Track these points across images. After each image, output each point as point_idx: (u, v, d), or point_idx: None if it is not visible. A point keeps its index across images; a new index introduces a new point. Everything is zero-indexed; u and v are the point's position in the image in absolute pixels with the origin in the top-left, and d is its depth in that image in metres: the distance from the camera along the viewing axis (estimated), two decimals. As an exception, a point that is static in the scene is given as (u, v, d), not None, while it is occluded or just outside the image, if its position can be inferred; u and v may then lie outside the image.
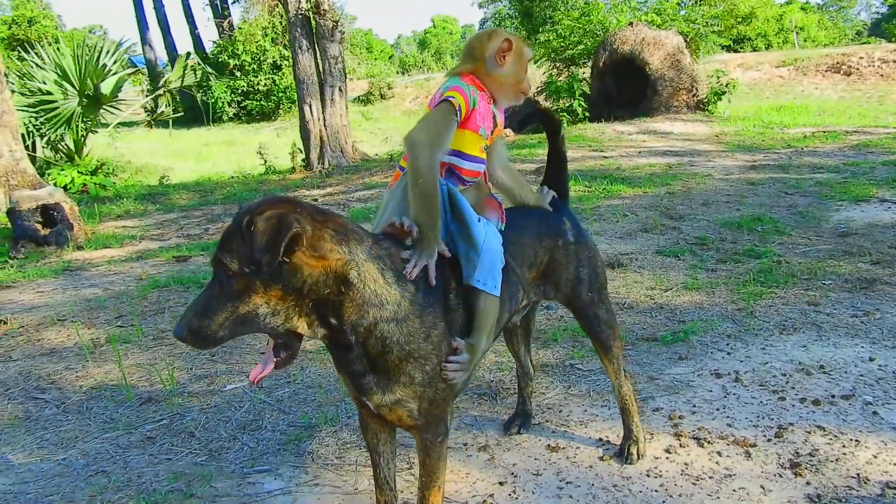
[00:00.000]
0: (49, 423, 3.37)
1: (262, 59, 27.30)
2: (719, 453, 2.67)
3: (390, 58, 51.83)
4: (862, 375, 3.23)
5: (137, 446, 3.08)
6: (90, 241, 7.59)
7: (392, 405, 1.94)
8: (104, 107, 13.61)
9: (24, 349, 4.37)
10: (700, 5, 20.26)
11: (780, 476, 2.52)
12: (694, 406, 3.05)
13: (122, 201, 10.25)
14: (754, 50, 34.58)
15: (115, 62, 13.51)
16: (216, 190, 11.11)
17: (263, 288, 1.73)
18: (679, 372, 3.40)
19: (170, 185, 12.75)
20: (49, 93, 12.54)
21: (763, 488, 2.45)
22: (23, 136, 10.80)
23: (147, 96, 21.15)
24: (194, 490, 2.68)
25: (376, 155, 14.51)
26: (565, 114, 14.71)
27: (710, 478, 2.53)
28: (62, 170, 11.84)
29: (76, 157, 12.76)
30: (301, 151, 12.76)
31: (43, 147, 12.86)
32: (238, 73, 27.26)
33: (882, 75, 22.67)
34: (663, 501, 2.42)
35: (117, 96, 13.98)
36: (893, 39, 37.84)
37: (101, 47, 13.31)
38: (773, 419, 2.90)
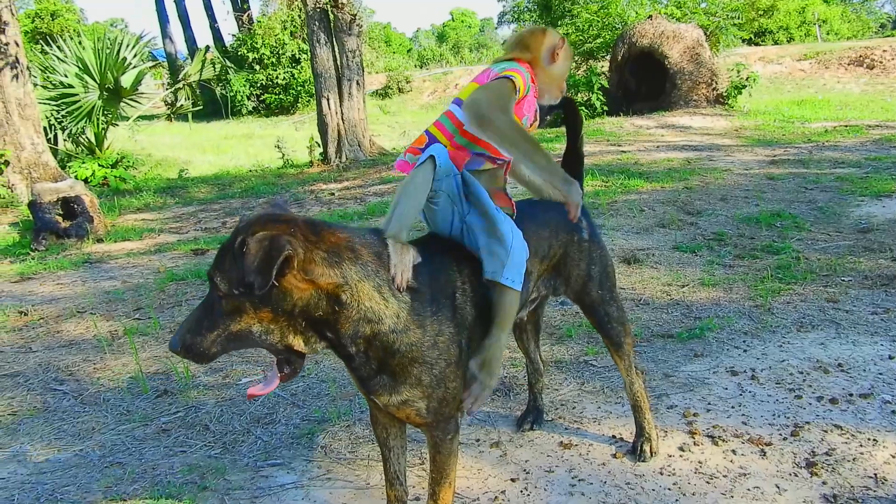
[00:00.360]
0: (67, 414, 3.41)
1: (280, 52, 27.36)
2: (734, 452, 2.65)
3: (409, 51, 51.80)
4: (881, 374, 3.18)
5: (153, 438, 3.11)
6: (110, 233, 7.66)
7: (399, 405, 1.95)
8: (124, 100, 13.70)
9: (43, 340, 4.43)
10: (721, -2, 20.00)
11: (796, 475, 2.49)
12: (709, 404, 3.03)
13: (142, 194, 10.33)
14: (776, 43, 34.13)
15: (135, 56, 13.59)
16: (234, 183, 11.17)
17: (253, 309, 1.74)
18: (694, 369, 3.37)
19: (189, 178, 12.83)
20: (70, 86, 12.65)
21: (778, 488, 2.43)
22: (45, 129, 10.93)
23: (167, 90, 21.29)
24: (208, 482, 2.70)
25: (394, 149, 14.50)
26: (583, 108, 14.62)
27: (724, 476, 2.51)
28: (83, 163, 11.95)
29: (97, 150, 12.87)
30: (319, 145, 12.79)
31: (64, 140, 12.98)
32: (257, 67, 27.35)
33: (906, 69, 22.30)
34: (676, 500, 2.40)
35: (137, 89, 14.06)
36: (919, 32, 37.24)
37: (122, 41, 13.40)
38: (789, 417, 2.87)
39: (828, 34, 37.89)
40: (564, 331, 3.95)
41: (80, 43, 12.97)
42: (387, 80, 30.42)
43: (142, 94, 14.71)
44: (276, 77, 27.42)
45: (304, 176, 11.33)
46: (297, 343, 1.82)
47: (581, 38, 17.19)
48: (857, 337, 3.59)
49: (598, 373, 3.42)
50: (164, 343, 4.19)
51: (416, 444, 2.81)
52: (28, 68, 10.10)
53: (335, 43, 12.37)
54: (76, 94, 12.58)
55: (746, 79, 14.82)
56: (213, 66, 17.06)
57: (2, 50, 9.38)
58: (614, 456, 2.69)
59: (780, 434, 2.75)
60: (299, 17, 24.73)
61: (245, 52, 27.32)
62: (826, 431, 2.75)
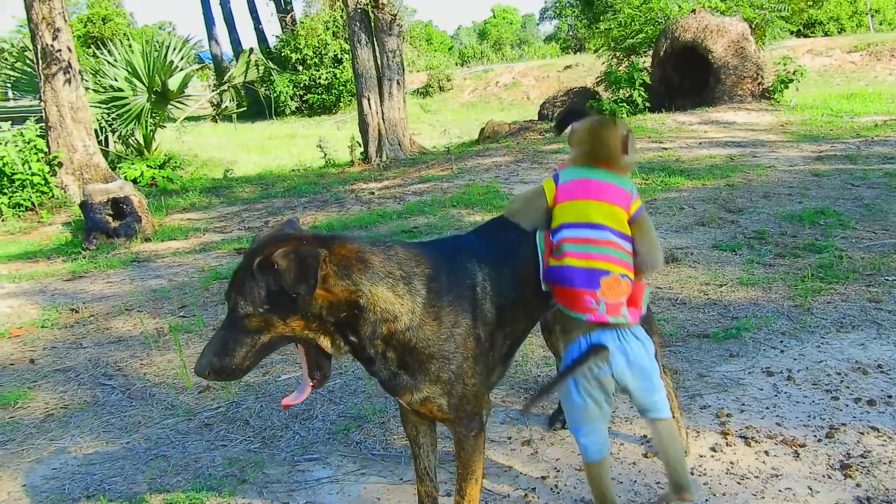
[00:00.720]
0: (115, 408, 3.55)
1: (323, 53, 27.67)
2: (766, 453, 2.64)
3: (450, 49, 51.84)
4: (922, 376, 3.13)
5: (195, 432, 3.22)
6: (157, 233, 7.88)
7: (422, 402, 2.01)
8: (172, 102, 14.06)
9: (93, 337, 4.60)
10: (769, -11, 19.57)
11: (829, 477, 2.47)
12: (743, 404, 3.01)
13: (188, 194, 10.59)
14: (826, 35, 33.28)
15: (181, 59, 13.93)
16: (277, 183, 11.36)
17: (283, 321, 1.84)
18: (729, 369, 3.35)
19: (233, 178, 13.09)
20: (120, 89, 13.02)
21: (810, 489, 2.42)
22: (96, 131, 11.28)
23: (213, 91, 21.72)
24: (247, 476, 2.79)
25: (434, 147, 14.58)
26: (625, 104, 14.48)
27: (756, 477, 2.51)
28: (132, 164, 12.29)
29: (145, 151, 13.23)
30: (360, 145, 12.93)
31: (114, 142, 13.37)
32: (300, 68, 27.71)
33: (964, 59, 21.57)
34: (706, 500, 2.41)
35: (184, 92, 14.41)
36: (978, 21, 35.94)
37: (169, 44, 13.74)
38: (824, 419, 2.84)
39: (881, 24, 36.78)
40: (599, 330, 3.95)
41: (129, 47, 13.34)
42: (427, 79, 30.52)
43: (188, 96, 15.06)
44: (319, 77, 27.74)
45: (345, 175, 11.47)
46: (326, 344, 1.90)
47: (623, 33, 17.00)
48: (898, 338, 3.53)
49: (632, 372, 3.42)
50: (207, 340, 4.31)
51: (449, 440, 2.86)
52: (80, 73, 10.44)
53: (376, 43, 12.49)
54: (125, 98, 12.95)
55: (793, 72, 14.48)
56: (257, 68, 17.35)
57: (55, 55, 9.70)
58: (645, 456, 2.71)
59: (815, 435, 2.73)
60: (341, 17, 24.97)
61: (288, 52, 27.71)
62: (862, 433, 2.72)
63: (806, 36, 31.60)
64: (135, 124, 13.04)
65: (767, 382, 3.19)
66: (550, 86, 25.74)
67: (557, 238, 2.16)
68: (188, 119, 16.67)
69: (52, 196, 9.76)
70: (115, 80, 13.05)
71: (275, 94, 26.70)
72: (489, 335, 2.07)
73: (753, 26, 15.57)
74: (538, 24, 78.60)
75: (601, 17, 20.35)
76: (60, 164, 9.91)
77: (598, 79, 17.00)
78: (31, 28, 9.92)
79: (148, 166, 12.23)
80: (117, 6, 48.45)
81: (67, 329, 4.80)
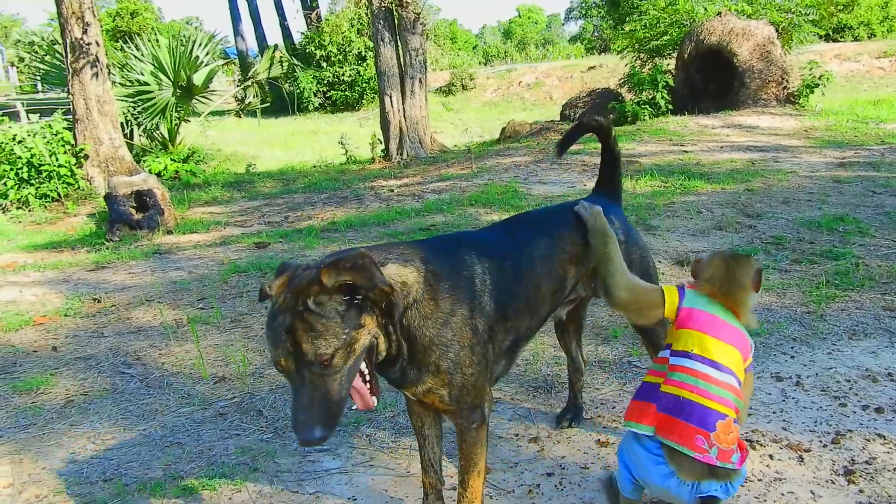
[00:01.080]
0: (133, 396, 3.64)
1: (347, 50, 27.83)
2: (771, 456, 2.66)
3: (474, 48, 51.85)
4: (932, 385, 3.12)
5: (210, 421, 3.29)
6: (179, 225, 8.01)
7: (425, 392, 2.07)
8: (196, 97, 14.23)
9: (114, 326, 4.70)
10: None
11: (833, 483, 2.49)
12: (750, 408, 3.02)
13: (211, 188, 10.72)
14: (856, 39, 32.85)
15: (207, 54, 14.09)
16: (298, 179, 11.47)
17: (360, 328, 1.83)
18: (738, 373, 3.36)
19: (255, 173, 13.23)
20: (146, 83, 13.20)
21: (813, 494, 2.44)
22: (122, 124, 11.45)
23: (237, 86, 21.92)
24: (259, 465, 2.86)
25: (455, 146, 14.63)
26: (647, 106, 14.42)
27: (759, 480, 2.53)
28: (156, 157, 12.46)
29: (170, 145, 13.40)
30: (381, 142, 13.02)
31: (140, 135, 13.56)
32: (324, 64, 27.88)
33: None
34: (708, 501, 2.43)
35: (209, 87, 14.58)
36: None
37: (195, 40, 13.91)
38: (831, 425, 2.85)
39: (912, 30, 36.17)
40: (610, 331, 3.98)
41: (156, 42, 13.52)
42: (451, 78, 30.57)
43: (213, 91, 15.23)
44: (343, 74, 27.90)
45: (366, 172, 11.55)
46: (382, 345, 1.94)
47: (648, 34, 16.95)
48: (911, 346, 3.52)
49: (641, 374, 3.45)
50: (224, 332, 4.41)
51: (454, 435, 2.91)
52: (108, 66, 10.61)
53: (399, 41, 12.56)
54: (151, 92, 13.13)
55: (819, 77, 14.35)
56: (281, 64, 17.50)
57: (84, 49, 9.87)
58: (650, 456, 2.73)
59: (821, 441, 2.74)
60: (366, 15, 25.08)
61: (313, 49, 27.89)
62: (868, 440, 2.72)
63: (835, 40, 31.23)
64: (160, 118, 13.22)
65: (776, 387, 3.20)
66: (574, 86, 25.68)
67: (678, 363, 2.12)
68: (212, 114, 16.84)
69: (78, 187, 9.94)
70: (142, 74, 13.24)
71: (298, 91, 26.90)
72: (488, 328, 2.12)
73: (780, 30, 15.44)
74: (563, 25, 78.38)
75: (627, 19, 20.28)
76: (86, 157, 10.09)
77: (622, 80, 16.95)
78: (60, 22, 10.10)
79: (172, 160, 12.39)
80: (146, 1, 49.00)
81: (89, 318, 4.90)
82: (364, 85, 27.91)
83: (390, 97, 12.52)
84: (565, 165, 9.16)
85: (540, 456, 2.78)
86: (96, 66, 10.00)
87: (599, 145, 2.76)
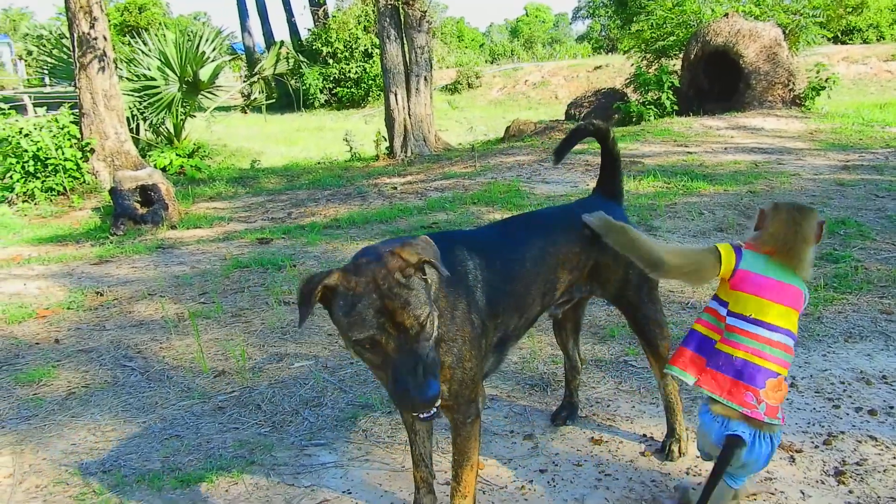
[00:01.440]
0: (133, 388, 3.67)
1: (353, 47, 27.85)
2: (762, 456, 2.67)
3: (481, 46, 51.83)
4: (926, 388, 3.14)
5: (209, 415, 3.33)
6: (183, 220, 8.05)
7: None
8: (202, 93, 14.30)
9: (116, 320, 4.74)
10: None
11: (823, 483, 2.51)
12: (744, 409, 3.04)
13: (215, 184, 10.77)
14: (864, 42, 32.74)
15: (213, 50, 14.16)
16: (302, 175, 11.52)
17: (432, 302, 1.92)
18: (734, 374, 3.38)
19: (260, 168, 13.28)
20: (152, 79, 13.27)
21: (803, 493, 2.46)
22: (128, 119, 11.51)
23: (244, 82, 21.98)
24: (256, 458, 2.89)
25: (459, 144, 14.66)
26: (653, 107, 14.42)
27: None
28: (162, 152, 12.52)
29: (175, 140, 13.47)
30: (385, 139, 13.05)
31: (145, 130, 13.63)
32: (330, 61, 27.92)
33: None
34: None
35: (215, 83, 14.64)
36: None
37: (201, 35, 13.98)
38: (823, 426, 2.87)
39: (921, 33, 35.99)
40: (608, 331, 4.00)
41: (163, 37, 13.58)
42: (457, 76, 30.59)
43: (219, 86, 15.30)
44: (349, 71, 27.93)
45: (370, 169, 11.59)
46: None
47: (654, 35, 16.94)
48: (906, 349, 3.54)
49: (637, 373, 3.47)
50: (225, 326, 4.44)
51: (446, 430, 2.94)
52: (115, 61, 10.67)
53: (405, 39, 12.59)
54: (158, 87, 13.19)
55: (826, 80, 14.32)
56: (287, 61, 17.55)
57: (91, 44, 9.92)
58: (643, 454, 2.76)
59: (812, 442, 2.76)
60: (373, 12, 25.12)
61: (319, 45, 27.92)
62: (860, 442, 2.74)
63: (844, 42, 31.13)
64: (166, 113, 13.28)
65: (770, 388, 3.21)
66: (579, 86, 25.68)
67: (735, 324, 2.18)
68: (218, 109, 16.93)
69: (84, 181, 9.99)
70: (148, 69, 13.31)
71: (304, 87, 26.94)
72: (481, 322, 2.16)
73: (787, 32, 15.41)
74: (571, 24, 78.29)
75: (634, 19, 20.26)
76: (92, 151, 10.15)
77: (627, 80, 16.93)
78: (68, 16, 10.15)
79: (177, 155, 12.46)
80: (154, -4, 49.09)
81: (92, 311, 4.95)
82: (370, 82, 27.94)
83: (395, 95, 12.55)
84: (568, 165, 9.17)
85: (534, 452, 2.81)
86: (103, 61, 10.05)
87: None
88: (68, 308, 5.02)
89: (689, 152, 10.07)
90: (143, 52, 13.52)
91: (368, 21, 26.95)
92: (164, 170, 11.42)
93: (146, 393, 3.61)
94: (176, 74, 13.29)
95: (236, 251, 6.38)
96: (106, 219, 8.35)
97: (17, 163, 9.56)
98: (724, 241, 5.54)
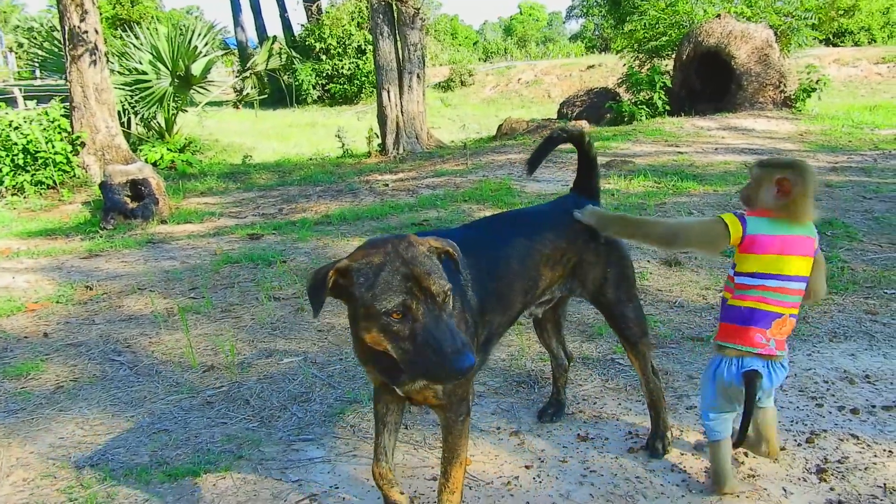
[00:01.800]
0: (122, 383, 3.68)
1: (347, 43, 27.82)
2: (746, 454, 2.70)
3: (474, 44, 51.82)
4: (908, 388, 3.18)
5: (197, 409, 3.33)
6: (173, 215, 8.04)
7: (421, 388, 2.09)
8: (194, 87, 14.24)
9: (105, 314, 4.74)
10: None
11: (804, 480, 2.54)
12: (728, 407, 3.07)
13: (206, 179, 10.75)
14: (856, 44, 32.93)
15: (205, 44, 14.10)
16: (294, 171, 11.50)
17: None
18: (719, 373, 3.41)
19: (251, 164, 13.26)
20: (144, 73, 13.20)
21: (784, 490, 2.49)
22: (119, 113, 11.45)
23: (237, 77, 21.91)
24: (244, 452, 2.91)
25: (452, 142, 14.68)
26: (645, 107, 14.48)
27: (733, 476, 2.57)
28: (153, 146, 12.47)
29: (166, 134, 13.42)
30: (377, 136, 13.05)
31: (137, 124, 13.57)
32: (323, 57, 27.87)
33: None
34: (682, 496, 2.48)
35: (207, 77, 14.59)
36: None
37: (194, 30, 13.92)
38: (806, 425, 2.91)
39: (912, 36, 36.24)
40: (595, 329, 4.03)
41: (155, 30, 13.52)
42: (450, 73, 30.60)
43: (211, 81, 15.26)
44: (342, 67, 27.90)
45: (362, 166, 11.59)
46: None
47: (647, 35, 17.00)
48: (889, 350, 3.58)
49: (623, 371, 3.50)
50: (214, 321, 4.45)
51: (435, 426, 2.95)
52: (106, 55, 10.62)
53: (398, 36, 12.58)
54: (149, 81, 13.13)
55: (816, 82, 14.42)
56: (280, 56, 17.50)
57: (82, 37, 9.87)
58: (629, 451, 2.78)
59: (795, 440, 2.79)
60: (366, 8, 25.09)
61: (312, 41, 27.88)
62: (842, 440, 2.78)
63: (835, 45, 31.29)
64: (157, 107, 13.23)
65: (755, 387, 3.25)
66: (572, 84, 25.74)
67: (742, 281, 2.37)
68: (210, 104, 16.89)
69: (74, 175, 9.95)
70: (140, 63, 13.24)
71: (297, 83, 26.89)
72: (472, 321, 2.18)
73: (779, 34, 15.49)
74: (564, 23, 78.28)
75: (627, 18, 20.30)
76: (83, 144, 10.10)
77: (620, 80, 17.00)
78: (59, 9, 10.10)
79: (168, 149, 12.40)
80: (146, -11, 48.78)
81: (81, 305, 4.94)
82: (363, 78, 27.92)
83: (388, 92, 12.56)
84: (559, 164, 9.20)
85: (520, 449, 2.83)
86: (95, 54, 10.01)
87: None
88: (57, 302, 5.01)
89: (679, 152, 10.12)
90: (134, 45, 13.46)
91: (362, 17, 26.93)
92: (154, 164, 11.37)
93: (135, 387, 3.62)
94: (168, 69, 13.23)
95: (227, 246, 6.38)
96: (96, 213, 8.32)
97: (7, 156, 9.50)
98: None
